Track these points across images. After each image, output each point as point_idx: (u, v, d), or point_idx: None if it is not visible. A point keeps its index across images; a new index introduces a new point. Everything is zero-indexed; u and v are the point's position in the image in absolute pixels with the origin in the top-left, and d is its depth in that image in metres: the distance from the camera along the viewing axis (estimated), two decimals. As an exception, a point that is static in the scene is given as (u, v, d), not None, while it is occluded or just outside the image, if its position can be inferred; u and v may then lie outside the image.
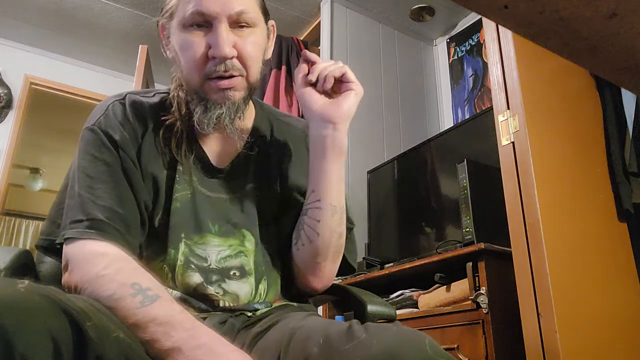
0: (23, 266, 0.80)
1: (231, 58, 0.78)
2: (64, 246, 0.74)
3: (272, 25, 0.91)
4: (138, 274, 0.69)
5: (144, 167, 0.81)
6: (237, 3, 0.79)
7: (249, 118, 0.91)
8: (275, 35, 0.92)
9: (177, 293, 0.76)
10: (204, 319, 0.74)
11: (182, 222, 0.80)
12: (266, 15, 0.87)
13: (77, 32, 3.31)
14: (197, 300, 0.77)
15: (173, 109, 0.85)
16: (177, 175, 0.82)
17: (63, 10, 3.09)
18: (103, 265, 0.69)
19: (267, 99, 2.55)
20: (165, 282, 0.77)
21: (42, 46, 3.51)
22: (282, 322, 0.73)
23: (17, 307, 0.48)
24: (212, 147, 0.87)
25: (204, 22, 0.79)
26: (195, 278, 0.77)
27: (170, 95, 0.87)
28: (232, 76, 0.80)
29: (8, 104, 3.39)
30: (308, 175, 0.90)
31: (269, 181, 0.90)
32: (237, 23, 0.80)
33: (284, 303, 0.84)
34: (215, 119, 0.80)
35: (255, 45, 0.82)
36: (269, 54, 0.90)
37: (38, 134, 4.57)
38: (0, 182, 3.26)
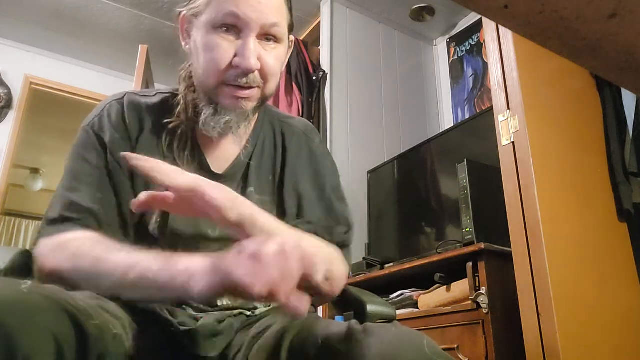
0: (23, 266, 0.80)
1: (254, 71, 0.78)
2: (38, 242, 0.74)
3: (292, 41, 0.90)
4: (114, 244, 0.69)
5: (137, 172, 0.80)
6: (272, 15, 0.78)
7: (251, 121, 0.90)
8: (292, 49, 0.92)
9: None
10: (201, 318, 0.74)
11: (179, 229, 0.80)
12: (291, 31, 0.87)
13: (77, 32, 3.31)
14: (194, 301, 0.77)
15: (178, 110, 0.84)
16: None
17: (63, 10, 3.09)
18: (78, 244, 0.70)
19: (267, 99, 2.55)
20: None
21: (42, 46, 3.51)
22: (280, 322, 0.73)
23: (20, 307, 0.48)
24: (212, 152, 0.86)
25: (234, 27, 0.77)
26: None
27: (179, 97, 0.86)
28: (250, 87, 0.79)
29: (8, 104, 3.39)
30: (310, 180, 0.90)
31: (269, 185, 0.89)
32: (266, 35, 0.79)
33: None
34: (223, 124, 0.80)
35: (277, 60, 0.82)
36: (284, 66, 0.90)
37: (38, 134, 4.57)
38: (0, 182, 3.26)
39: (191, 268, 0.58)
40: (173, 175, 0.63)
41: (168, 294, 0.60)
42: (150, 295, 0.62)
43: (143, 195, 0.65)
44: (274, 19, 0.78)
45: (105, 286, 0.64)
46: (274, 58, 0.80)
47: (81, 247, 0.69)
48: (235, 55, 0.77)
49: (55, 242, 0.72)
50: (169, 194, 0.64)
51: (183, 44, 0.86)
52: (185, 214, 0.67)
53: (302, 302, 0.53)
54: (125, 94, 0.86)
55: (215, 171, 0.85)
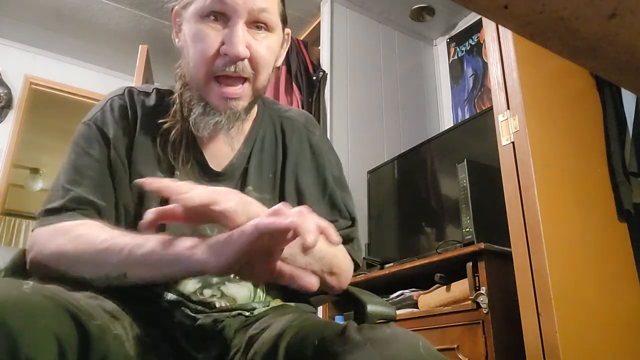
0: (23, 266, 0.80)
1: (243, 59, 0.76)
2: (34, 231, 0.74)
3: (287, 34, 0.88)
4: (119, 230, 0.70)
5: (133, 168, 0.80)
6: (261, 0, 0.77)
7: (250, 117, 0.89)
8: (288, 44, 0.90)
9: (171, 296, 0.76)
10: (200, 318, 0.74)
11: (178, 229, 0.79)
12: (284, 22, 0.85)
13: (77, 32, 3.31)
14: (192, 303, 0.77)
15: (174, 109, 0.83)
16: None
17: (63, 10, 3.09)
18: (84, 228, 0.71)
19: (267, 99, 2.55)
20: (158, 286, 0.76)
21: (42, 46, 3.51)
22: (278, 323, 0.73)
23: (23, 308, 0.48)
24: (211, 149, 0.85)
25: (222, 15, 0.76)
26: (189, 286, 0.76)
27: (175, 95, 0.85)
28: (239, 77, 0.77)
29: (8, 104, 3.39)
30: (312, 175, 0.90)
31: (269, 183, 0.88)
32: (255, 23, 0.78)
33: (282, 304, 0.84)
34: (212, 125, 0.78)
35: (268, 49, 0.80)
36: (280, 62, 0.87)
37: (38, 134, 4.57)
38: (0, 182, 3.26)
39: (207, 241, 0.59)
40: (187, 192, 0.62)
41: (179, 268, 0.62)
42: (158, 270, 0.63)
43: (150, 214, 0.63)
44: (262, 3, 0.77)
45: (112, 263, 0.65)
46: (264, 47, 0.79)
47: (87, 230, 0.70)
48: (223, 44, 0.76)
49: (56, 227, 0.72)
50: (177, 207, 0.63)
51: (176, 40, 0.85)
52: (195, 223, 0.66)
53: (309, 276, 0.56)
54: (125, 90, 0.86)
55: (214, 169, 0.85)
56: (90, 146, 0.79)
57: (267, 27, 0.79)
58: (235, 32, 0.75)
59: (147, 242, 0.64)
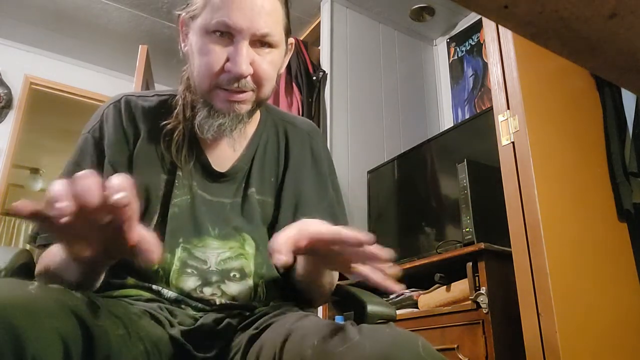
0: (23, 266, 0.80)
1: (246, 77, 0.78)
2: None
3: (291, 44, 0.90)
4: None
5: (135, 174, 0.81)
6: (264, 25, 0.78)
7: (253, 121, 0.91)
8: (292, 52, 0.92)
9: (172, 294, 0.77)
10: (201, 317, 0.75)
11: (180, 227, 0.80)
12: (288, 34, 0.87)
13: (77, 32, 3.31)
14: (193, 301, 0.77)
15: (176, 111, 0.85)
16: (176, 181, 0.83)
17: (63, 10, 3.09)
18: (47, 253, 0.76)
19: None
20: (160, 284, 0.77)
21: (42, 46, 3.51)
22: (278, 322, 0.73)
23: (29, 308, 0.49)
24: (214, 151, 0.87)
25: (227, 33, 0.78)
26: (190, 283, 0.77)
27: (177, 97, 0.87)
28: (243, 92, 0.80)
29: (8, 104, 3.39)
30: (312, 182, 0.92)
31: (271, 186, 0.90)
32: (259, 42, 0.80)
33: (282, 303, 0.84)
34: (216, 127, 0.80)
35: (271, 64, 0.82)
36: (282, 69, 0.90)
37: (38, 134, 4.57)
38: (0, 182, 3.26)
39: None
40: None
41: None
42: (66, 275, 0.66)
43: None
44: (265, 29, 0.78)
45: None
46: (267, 63, 0.81)
47: (46, 254, 0.74)
48: (227, 60, 0.78)
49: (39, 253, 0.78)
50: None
51: (182, 45, 0.87)
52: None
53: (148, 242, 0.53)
54: (122, 97, 0.87)
55: (217, 170, 0.86)
56: (83, 158, 0.82)
57: (270, 45, 0.81)
58: (239, 51, 0.77)
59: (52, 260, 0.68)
